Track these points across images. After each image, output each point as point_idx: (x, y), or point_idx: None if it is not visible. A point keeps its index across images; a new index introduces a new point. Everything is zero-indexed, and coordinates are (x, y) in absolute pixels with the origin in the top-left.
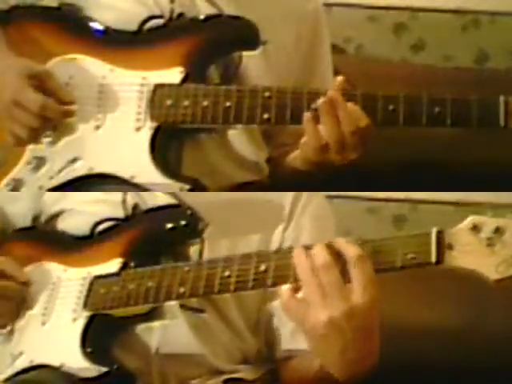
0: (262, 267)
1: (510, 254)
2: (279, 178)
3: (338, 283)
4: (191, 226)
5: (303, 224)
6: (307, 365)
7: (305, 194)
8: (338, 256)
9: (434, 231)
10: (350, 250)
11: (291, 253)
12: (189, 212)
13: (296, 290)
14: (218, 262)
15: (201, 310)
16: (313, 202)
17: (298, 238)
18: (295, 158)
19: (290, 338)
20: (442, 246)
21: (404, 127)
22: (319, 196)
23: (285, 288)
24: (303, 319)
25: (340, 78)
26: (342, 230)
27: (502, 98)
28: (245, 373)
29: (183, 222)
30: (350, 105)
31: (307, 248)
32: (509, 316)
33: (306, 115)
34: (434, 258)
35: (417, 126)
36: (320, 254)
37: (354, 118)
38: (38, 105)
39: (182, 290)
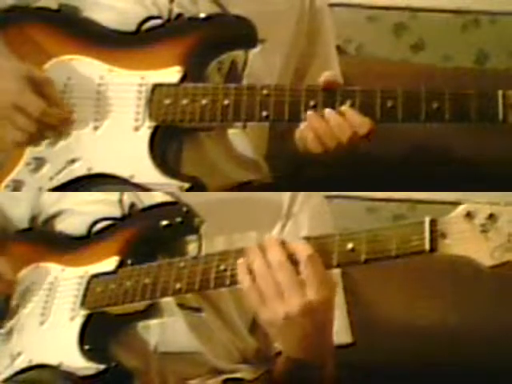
0: None
1: (504, 240)
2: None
3: (292, 280)
4: (187, 223)
5: (301, 222)
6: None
7: (303, 193)
8: (290, 256)
9: (427, 220)
10: (301, 250)
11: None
12: (184, 209)
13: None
14: (213, 257)
15: (199, 310)
16: (311, 201)
17: (296, 235)
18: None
19: None
20: (436, 234)
21: (403, 123)
22: (317, 195)
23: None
24: (260, 312)
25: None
26: (341, 230)
27: (500, 92)
28: (244, 372)
29: (179, 219)
30: (349, 112)
31: (261, 245)
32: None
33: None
34: (427, 246)
35: (416, 122)
36: (275, 252)
37: (353, 128)
38: (39, 110)
39: (178, 285)
